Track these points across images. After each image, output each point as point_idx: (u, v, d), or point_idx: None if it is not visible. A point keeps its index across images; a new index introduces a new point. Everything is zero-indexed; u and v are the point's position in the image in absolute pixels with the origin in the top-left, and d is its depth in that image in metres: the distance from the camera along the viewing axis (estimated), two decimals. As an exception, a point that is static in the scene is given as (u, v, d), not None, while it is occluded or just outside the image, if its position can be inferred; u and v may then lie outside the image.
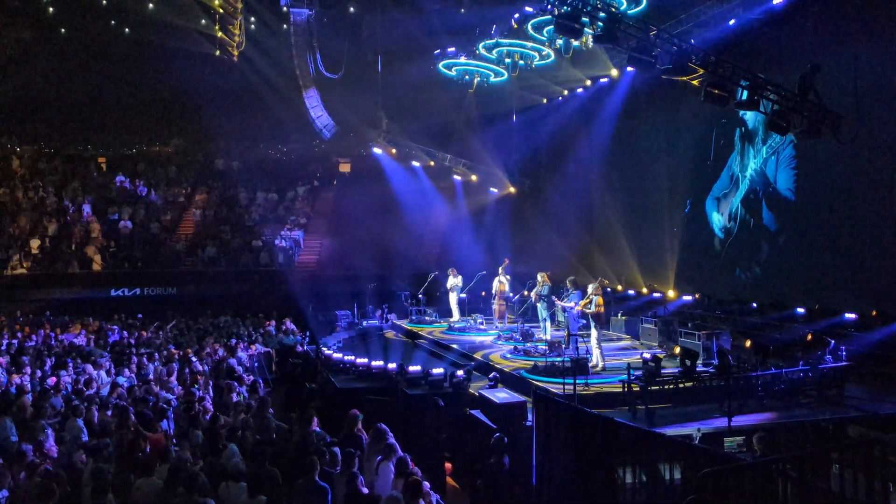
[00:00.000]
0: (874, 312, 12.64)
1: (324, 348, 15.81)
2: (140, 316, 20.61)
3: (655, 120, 19.71)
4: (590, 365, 11.92)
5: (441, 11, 21.77)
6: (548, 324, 14.87)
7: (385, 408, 10.84)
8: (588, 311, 12.49)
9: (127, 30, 29.05)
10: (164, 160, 31.37)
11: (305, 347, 17.17)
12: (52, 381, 11.89)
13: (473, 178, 24.79)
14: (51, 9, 28.65)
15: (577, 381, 10.03)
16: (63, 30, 29.42)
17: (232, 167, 30.87)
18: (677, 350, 12.20)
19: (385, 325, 19.66)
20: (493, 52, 16.72)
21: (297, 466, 6.89)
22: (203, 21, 28.41)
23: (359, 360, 13.32)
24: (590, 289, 12.67)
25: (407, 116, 25.70)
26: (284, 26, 26.15)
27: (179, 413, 9.86)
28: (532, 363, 12.63)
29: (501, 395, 10.32)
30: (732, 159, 17.11)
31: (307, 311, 21.06)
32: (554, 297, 14.45)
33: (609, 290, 13.28)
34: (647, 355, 11.09)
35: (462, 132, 25.32)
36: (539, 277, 14.62)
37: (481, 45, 16.65)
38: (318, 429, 8.52)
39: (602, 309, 12.62)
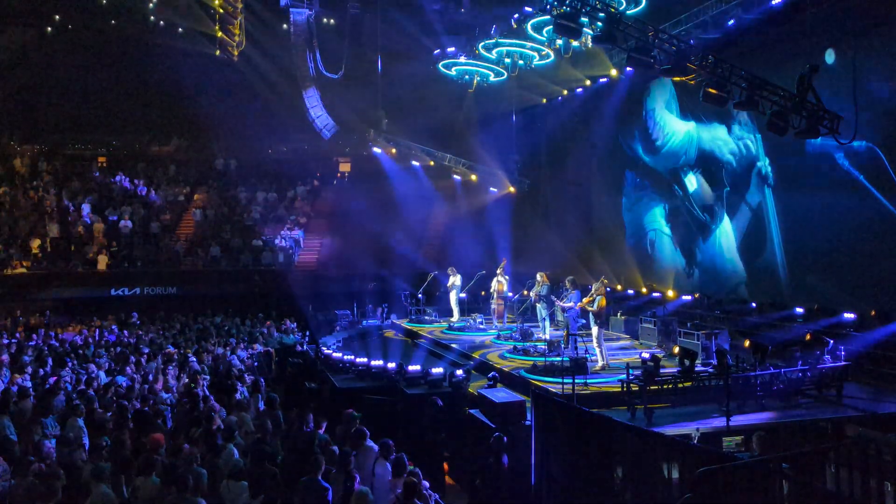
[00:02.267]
0: (873, 312, 12.63)
1: (323, 348, 15.82)
2: (135, 315, 20.62)
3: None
4: (592, 362, 11.93)
5: (441, 11, 21.80)
6: (547, 323, 14.87)
7: (384, 407, 10.87)
8: (591, 308, 12.51)
9: (126, 29, 29.06)
10: (164, 160, 31.38)
11: (305, 347, 17.18)
12: (52, 380, 11.89)
13: (473, 177, 24.80)
14: (51, 8, 28.68)
15: (576, 381, 10.06)
16: (63, 29, 29.43)
17: (232, 167, 30.88)
18: (676, 350, 12.21)
19: (385, 324, 19.67)
20: (493, 52, 16.71)
21: (301, 465, 6.90)
22: (203, 21, 28.44)
23: (358, 360, 13.32)
24: (594, 287, 12.70)
25: (407, 116, 25.70)
26: (284, 26, 26.18)
27: (180, 412, 9.88)
28: (531, 363, 12.65)
29: (500, 395, 10.31)
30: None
31: (307, 311, 21.09)
32: (553, 297, 14.47)
33: (609, 289, 13.30)
34: (645, 355, 11.09)
35: (462, 132, 25.33)
36: (538, 277, 14.63)
37: (481, 45, 16.64)
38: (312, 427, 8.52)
39: (603, 308, 12.67)
